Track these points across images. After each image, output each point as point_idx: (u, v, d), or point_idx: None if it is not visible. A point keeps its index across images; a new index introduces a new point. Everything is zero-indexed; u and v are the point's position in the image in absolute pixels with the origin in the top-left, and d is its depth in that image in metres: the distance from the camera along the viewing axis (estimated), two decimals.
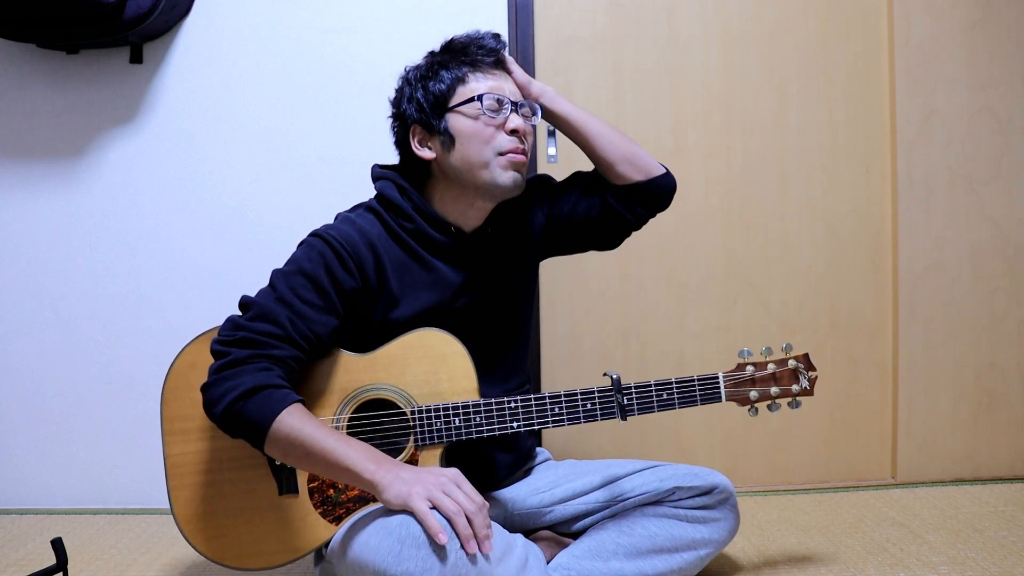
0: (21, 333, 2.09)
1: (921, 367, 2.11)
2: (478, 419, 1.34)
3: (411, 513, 1.15)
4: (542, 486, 1.53)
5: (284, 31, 2.04)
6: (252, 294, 1.31)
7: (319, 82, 2.04)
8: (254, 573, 1.34)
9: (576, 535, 1.49)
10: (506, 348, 1.48)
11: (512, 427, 1.34)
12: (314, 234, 1.33)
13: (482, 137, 1.34)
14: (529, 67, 2.05)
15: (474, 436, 1.34)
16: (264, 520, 1.33)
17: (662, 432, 2.14)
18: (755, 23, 2.10)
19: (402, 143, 1.43)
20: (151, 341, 2.07)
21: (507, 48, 1.43)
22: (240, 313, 1.30)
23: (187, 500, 1.34)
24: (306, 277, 1.29)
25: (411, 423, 1.34)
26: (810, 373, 1.43)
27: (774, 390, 1.41)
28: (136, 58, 2.02)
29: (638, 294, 2.12)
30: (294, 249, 1.35)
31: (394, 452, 1.33)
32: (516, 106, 1.37)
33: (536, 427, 1.35)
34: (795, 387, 1.42)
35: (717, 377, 1.39)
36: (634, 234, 1.55)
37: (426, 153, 1.38)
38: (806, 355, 1.44)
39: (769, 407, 1.42)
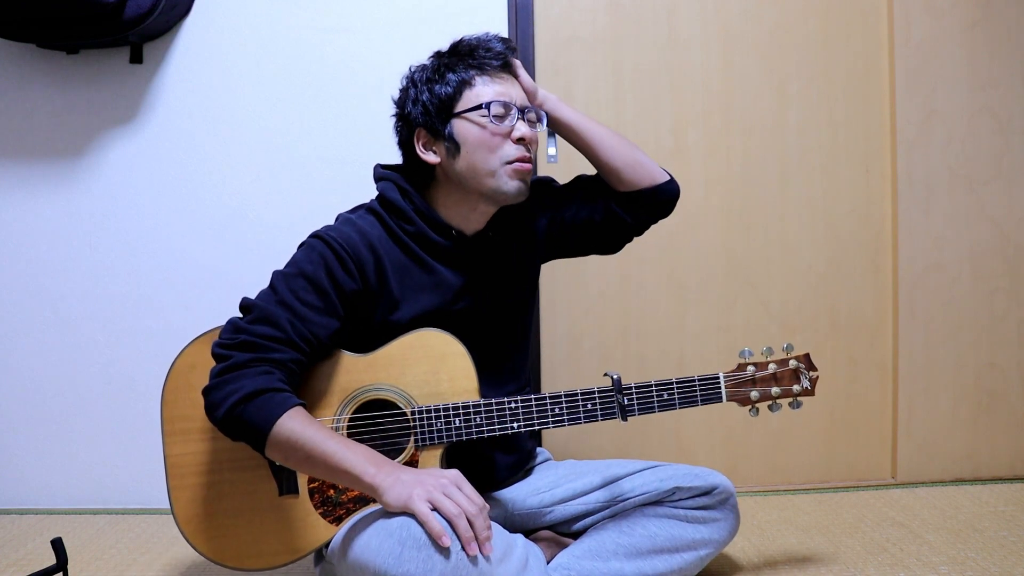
0: (21, 333, 2.09)
1: (921, 367, 2.11)
2: (478, 419, 1.33)
3: (412, 515, 1.15)
4: (542, 486, 1.53)
5: (284, 31, 2.04)
6: (252, 294, 1.31)
7: (319, 82, 2.04)
8: (254, 573, 1.34)
9: (576, 535, 1.49)
10: (506, 351, 1.48)
11: (512, 427, 1.34)
12: (315, 235, 1.33)
13: (488, 146, 1.33)
14: (529, 67, 2.05)
15: (474, 436, 1.34)
16: (264, 521, 1.33)
17: (662, 432, 2.14)
18: (755, 23, 2.09)
19: (406, 144, 1.42)
20: (151, 341, 2.06)
21: (517, 53, 1.41)
22: (241, 315, 1.30)
23: (187, 500, 1.34)
24: (307, 279, 1.29)
25: (411, 423, 1.33)
26: (811, 373, 1.43)
27: (775, 390, 1.41)
28: (136, 58, 2.02)
29: (638, 294, 2.12)
30: (294, 250, 1.34)
31: (394, 452, 1.33)
32: (522, 111, 1.36)
33: (536, 427, 1.35)
34: (796, 387, 1.42)
35: (718, 377, 1.39)
36: None
37: (431, 157, 1.38)
38: (807, 355, 1.44)
39: (770, 407, 1.42)
